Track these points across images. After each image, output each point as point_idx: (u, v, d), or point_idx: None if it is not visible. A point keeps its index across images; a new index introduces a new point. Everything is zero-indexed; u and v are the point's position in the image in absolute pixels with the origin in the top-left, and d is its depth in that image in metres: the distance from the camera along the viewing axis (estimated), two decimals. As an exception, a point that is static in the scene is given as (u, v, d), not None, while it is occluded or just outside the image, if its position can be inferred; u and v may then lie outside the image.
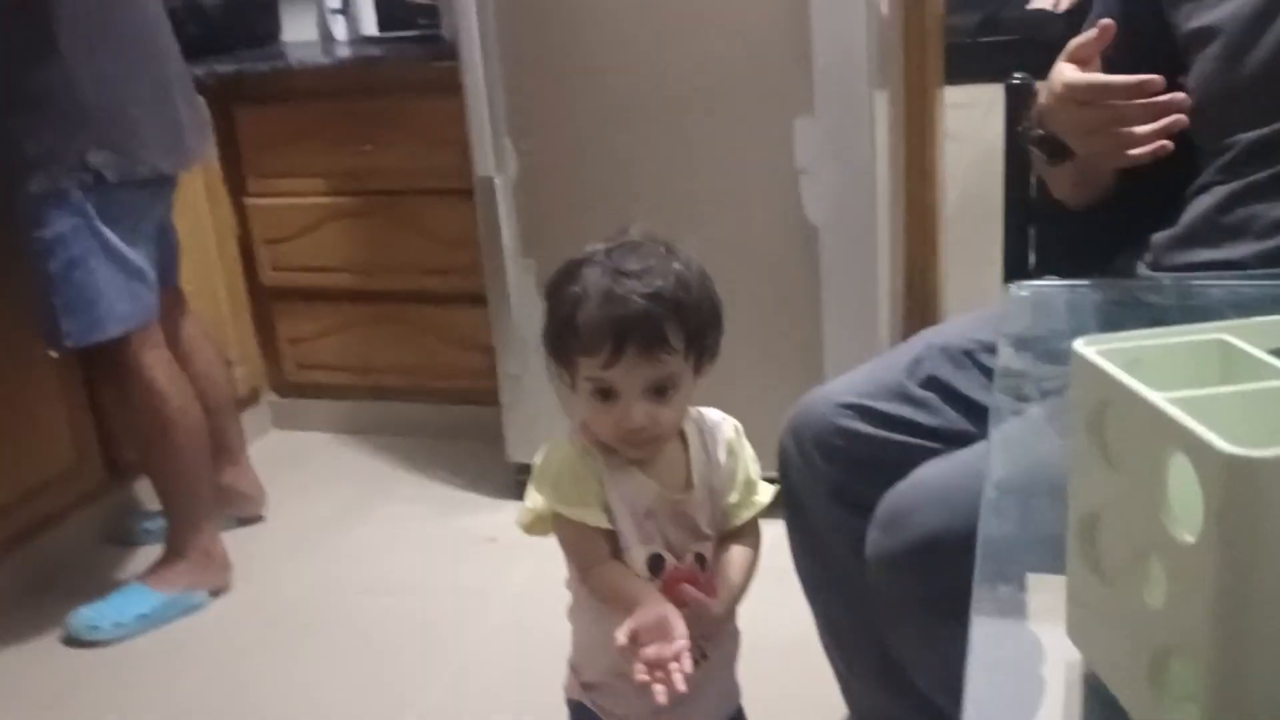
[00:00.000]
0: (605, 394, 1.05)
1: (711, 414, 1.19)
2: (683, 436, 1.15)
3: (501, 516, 2.24)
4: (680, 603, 1.07)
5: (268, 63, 2.54)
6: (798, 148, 2.07)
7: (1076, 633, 0.57)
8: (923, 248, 2.52)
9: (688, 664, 1.01)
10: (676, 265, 1.08)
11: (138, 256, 1.98)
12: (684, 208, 2.15)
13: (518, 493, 1.12)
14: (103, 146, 1.87)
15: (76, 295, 1.91)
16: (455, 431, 2.65)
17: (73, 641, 2.05)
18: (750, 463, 1.19)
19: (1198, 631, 0.46)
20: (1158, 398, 0.47)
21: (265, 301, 2.71)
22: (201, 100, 2.17)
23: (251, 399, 2.72)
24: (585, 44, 2.13)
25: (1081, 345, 0.54)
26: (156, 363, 2.03)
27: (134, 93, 1.91)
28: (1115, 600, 0.53)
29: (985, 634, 0.62)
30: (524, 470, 1.16)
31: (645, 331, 1.03)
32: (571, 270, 1.08)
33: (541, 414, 2.20)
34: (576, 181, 2.20)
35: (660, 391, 1.06)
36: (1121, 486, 0.51)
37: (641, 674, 1.01)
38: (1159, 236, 1.28)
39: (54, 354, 1.97)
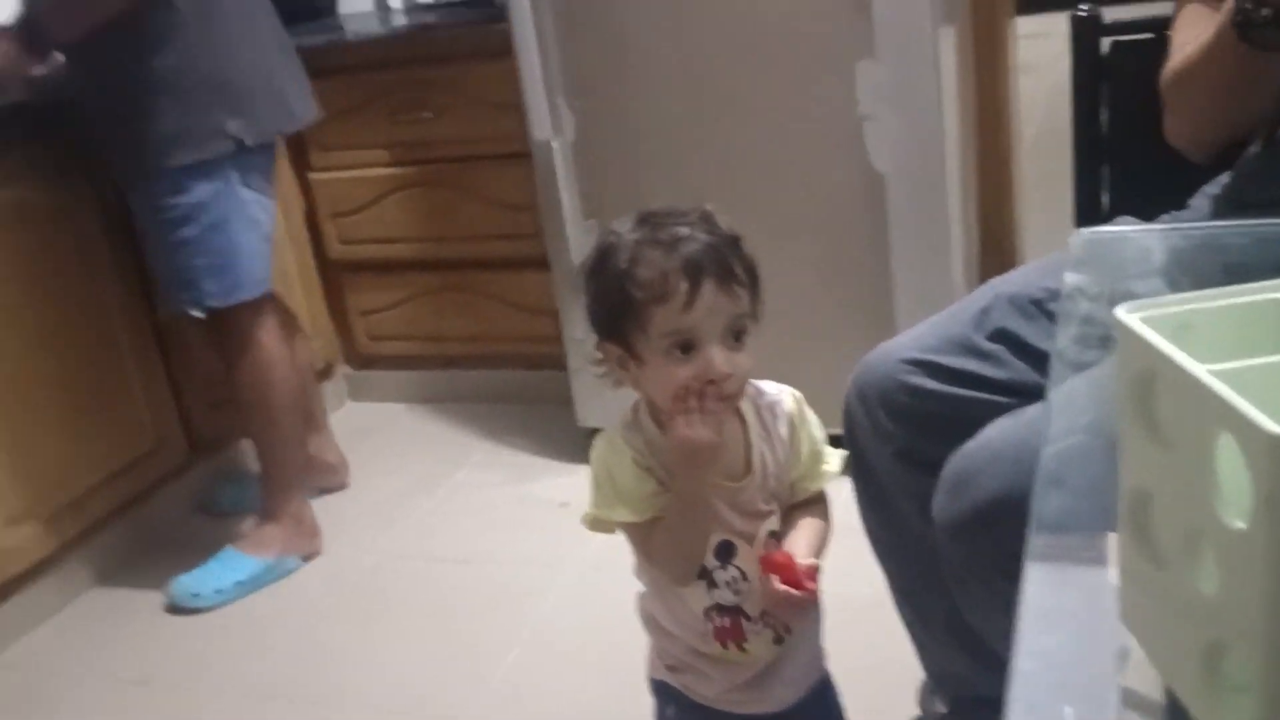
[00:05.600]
0: (685, 346, 1.00)
1: (768, 387, 1.14)
2: (740, 416, 1.12)
3: (573, 480, 2.24)
4: (791, 592, 1.05)
5: (325, 36, 2.54)
6: (860, 92, 2.00)
7: (1130, 616, 0.54)
8: (996, 190, 2.43)
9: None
10: (716, 221, 1.05)
11: (267, 220, 2.10)
12: (745, 160, 2.10)
13: (588, 456, 1.11)
14: (236, 114, 1.97)
15: (218, 257, 2.01)
16: (525, 396, 2.66)
17: (175, 609, 2.12)
18: (815, 431, 1.15)
19: (1251, 622, 0.43)
20: (1201, 371, 0.43)
21: (335, 275, 2.74)
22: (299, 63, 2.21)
23: (327, 372, 2.76)
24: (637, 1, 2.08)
25: (1125, 311, 0.50)
26: (270, 328, 2.12)
27: (246, 61, 2.01)
28: (1168, 584, 0.49)
29: (1040, 586, 0.60)
30: (595, 433, 1.14)
31: (718, 263, 1.00)
32: (608, 245, 1.05)
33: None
34: (635, 140, 2.17)
35: (737, 336, 1.02)
36: (1172, 465, 0.48)
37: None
38: (1247, 162, 1.20)
39: (197, 314, 2.06)
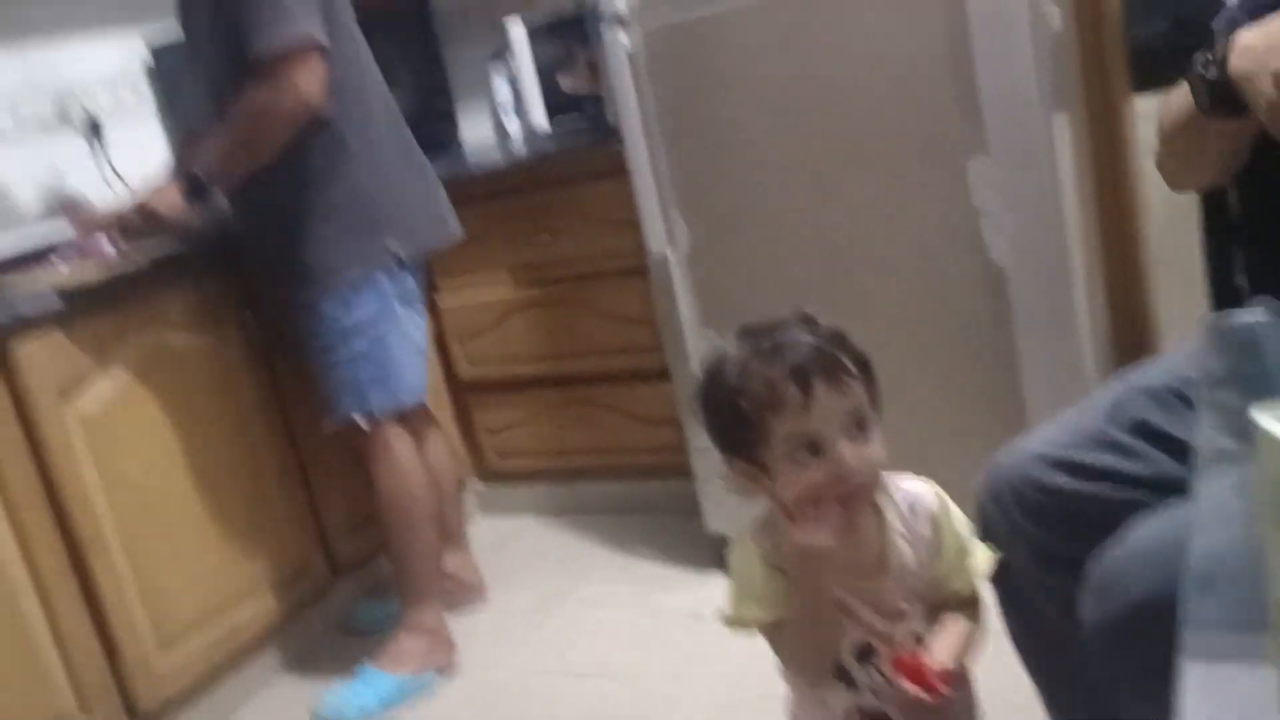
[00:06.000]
0: (813, 447, 1.01)
1: (909, 484, 1.13)
2: (877, 513, 1.10)
3: (704, 591, 2.22)
4: (922, 696, 1.02)
5: (448, 169, 2.64)
6: (974, 188, 1.99)
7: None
8: (1125, 276, 2.36)
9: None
10: (816, 321, 1.06)
11: (418, 335, 2.22)
12: (861, 259, 2.11)
13: (719, 565, 1.12)
14: (395, 234, 2.11)
15: (380, 369, 2.14)
16: (652, 506, 2.66)
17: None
18: (960, 528, 1.12)
19: None
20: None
21: (464, 395, 2.82)
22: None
23: (459, 488, 2.82)
24: (742, 111, 2.13)
25: (1261, 415, 0.48)
26: (404, 441, 2.21)
27: (405, 182, 2.15)
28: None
29: (1197, 691, 0.57)
30: (724, 542, 1.15)
31: (824, 362, 1.01)
32: (716, 364, 1.07)
33: (735, 485, 2.18)
34: (749, 248, 2.19)
35: (860, 426, 1.02)
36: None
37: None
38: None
39: (363, 423, 2.15)
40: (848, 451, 1.00)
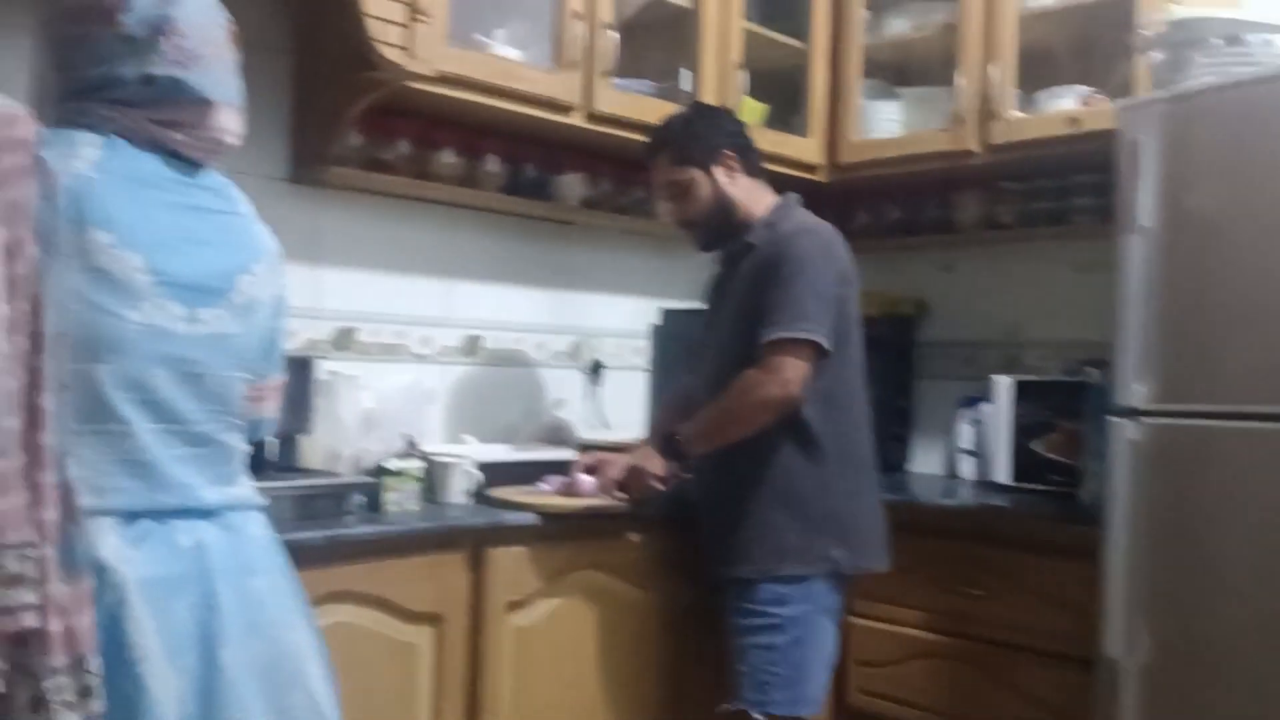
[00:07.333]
0: None
1: None
2: None
3: None
4: None
5: (894, 493, 2.65)
6: None
7: None
8: None
9: None
10: None
11: (833, 649, 2.20)
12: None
13: None
14: (843, 545, 2.15)
15: (792, 671, 2.12)
16: None
17: None
18: None
19: None
20: None
21: (845, 721, 2.71)
22: None
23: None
24: (1233, 536, 1.97)
25: None
26: None
27: (863, 502, 2.21)
28: None
29: None
30: None
31: None
32: None
33: None
34: (1216, 681, 1.98)
35: None
36: None
37: None
38: None
39: (758, 717, 2.12)
40: None
